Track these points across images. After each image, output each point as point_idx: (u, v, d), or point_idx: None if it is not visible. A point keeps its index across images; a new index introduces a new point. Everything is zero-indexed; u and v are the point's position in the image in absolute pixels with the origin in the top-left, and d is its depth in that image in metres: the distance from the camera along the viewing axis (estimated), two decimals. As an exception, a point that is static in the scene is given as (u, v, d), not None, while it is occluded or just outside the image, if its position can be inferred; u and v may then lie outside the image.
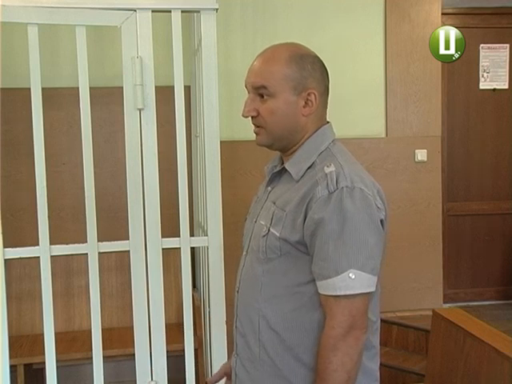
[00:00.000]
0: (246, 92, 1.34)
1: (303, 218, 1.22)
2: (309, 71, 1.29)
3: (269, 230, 1.28)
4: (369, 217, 1.19)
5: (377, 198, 1.23)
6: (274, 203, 1.31)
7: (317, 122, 1.33)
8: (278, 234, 1.25)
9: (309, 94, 1.29)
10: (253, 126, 1.34)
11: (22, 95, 2.38)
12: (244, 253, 1.41)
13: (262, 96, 1.29)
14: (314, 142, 1.31)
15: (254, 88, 1.30)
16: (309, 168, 1.28)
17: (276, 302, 1.27)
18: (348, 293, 1.17)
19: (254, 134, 1.35)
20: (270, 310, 1.28)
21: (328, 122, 1.36)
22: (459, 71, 4.10)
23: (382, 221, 1.24)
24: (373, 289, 1.21)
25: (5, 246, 2.10)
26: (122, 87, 2.13)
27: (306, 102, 1.29)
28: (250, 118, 1.33)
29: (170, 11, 2.13)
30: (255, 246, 1.33)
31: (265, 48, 1.34)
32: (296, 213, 1.23)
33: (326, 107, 1.36)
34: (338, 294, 1.17)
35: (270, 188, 1.39)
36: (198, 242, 2.38)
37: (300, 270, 1.25)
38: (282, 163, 1.38)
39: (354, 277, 1.16)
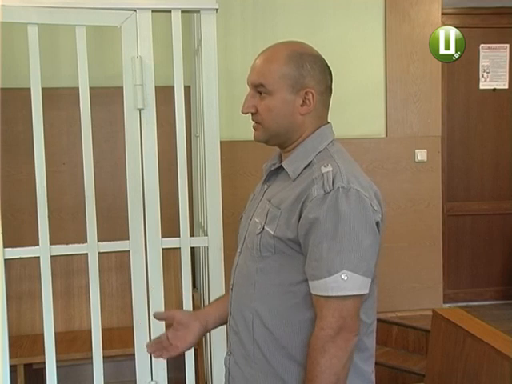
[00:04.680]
0: (246, 91, 1.35)
1: (298, 216, 1.21)
2: (307, 70, 1.29)
3: (263, 227, 1.28)
4: (364, 218, 1.19)
5: (373, 200, 1.23)
6: (270, 201, 1.31)
7: (316, 122, 1.32)
8: (272, 232, 1.25)
9: (306, 93, 1.29)
10: (252, 122, 1.35)
11: (22, 95, 2.38)
12: (238, 250, 1.40)
13: (260, 93, 1.30)
14: (312, 141, 1.31)
15: (253, 85, 1.32)
16: (306, 167, 1.28)
17: (269, 300, 1.27)
18: (339, 294, 1.16)
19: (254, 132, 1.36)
20: (263, 308, 1.28)
21: (328, 123, 1.36)
22: (459, 71, 4.10)
23: (378, 223, 1.23)
24: (365, 291, 1.20)
25: (5, 246, 2.10)
26: (122, 87, 2.13)
27: (303, 101, 1.29)
28: (249, 115, 1.34)
29: (170, 11, 2.13)
30: (250, 244, 1.32)
31: (265, 47, 1.35)
32: (291, 211, 1.23)
33: (328, 107, 1.35)
34: (330, 294, 1.16)
35: (266, 186, 1.39)
36: (198, 242, 2.39)
37: (294, 268, 1.24)
38: (281, 161, 1.38)
39: (346, 278, 1.16)
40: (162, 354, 1.44)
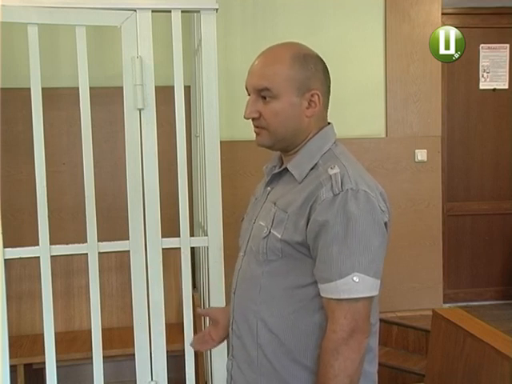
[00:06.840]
0: (246, 92, 1.33)
1: (306, 219, 1.20)
2: (312, 72, 1.27)
3: (270, 231, 1.26)
4: (373, 219, 1.18)
5: (380, 201, 1.22)
6: (275, 204, 1.29)
7: (319, 123, 1.31)
8: (279, 236, 1.24)
9: (312, 95, 1.27)
10: (253, 126, 1.32)
11: (22, 95, 2.38)
12: (241, 254, 1.39)
13: (264, 97, 1.27)
14: (316, 143, 1.30)
15: (256, 90, 1.27)
16: (311, 169, 1.27)
17: (275, 304, 1.26)
18: (351, 296, 1.15)
19: (254, 134, 1.34)
20: (268, 312, 1.27)
21: (329, 123, 1.35)
22: (459, 71, 4.10)
23: (385, 223, 1.22)
24: (376, 292, 1.19)
25: (5, 246, 2.10)
26: (122, 87, 2.13)
27: (309, 103, 1.27)
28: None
29: (170, 11, 2.13)
30: (254, 247, 1.31)
31: (265, 47, 1.32)
32: (299, 214, 1.21)
33: (328, 108, 1.34)
34: (341, 297, 1.16)
35: (269, 188, 1.37)
36: (198, 242, 2.39)
37: (301, 272, 1.23)
38: (282, 163, 1.36)
39: (357, 280, 1.15)
40: (201, 346, 1.58)
